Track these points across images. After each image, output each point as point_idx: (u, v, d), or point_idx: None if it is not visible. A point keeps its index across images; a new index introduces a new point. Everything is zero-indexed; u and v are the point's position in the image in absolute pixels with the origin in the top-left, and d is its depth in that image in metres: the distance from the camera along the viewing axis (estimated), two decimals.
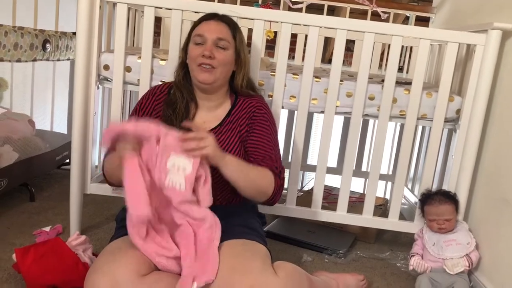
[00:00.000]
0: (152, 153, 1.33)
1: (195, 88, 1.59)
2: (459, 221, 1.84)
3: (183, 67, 1.59)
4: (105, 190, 1.93)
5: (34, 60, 2.14)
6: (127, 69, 1.87)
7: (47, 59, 2.25)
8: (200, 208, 1.33)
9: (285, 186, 2.12)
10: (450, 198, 1.84)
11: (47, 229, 1.91)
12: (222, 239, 1.40)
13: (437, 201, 1.82)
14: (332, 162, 2.76)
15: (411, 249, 1.86)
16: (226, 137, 1.54)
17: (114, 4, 1.92)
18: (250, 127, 1.57)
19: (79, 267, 1.53)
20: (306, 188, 2.79)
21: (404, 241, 2.24)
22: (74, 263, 1.53)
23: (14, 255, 1.54)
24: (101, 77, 1.90)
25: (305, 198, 2.18)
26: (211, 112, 1.59)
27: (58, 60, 2.38)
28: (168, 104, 1.57)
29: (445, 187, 1.95)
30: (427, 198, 1.86)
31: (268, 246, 1.47)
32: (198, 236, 1.32)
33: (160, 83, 1.83)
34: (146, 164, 1.33)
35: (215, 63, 1.49)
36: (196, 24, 1.58)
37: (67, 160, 2.59)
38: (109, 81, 1.90)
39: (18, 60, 2.02)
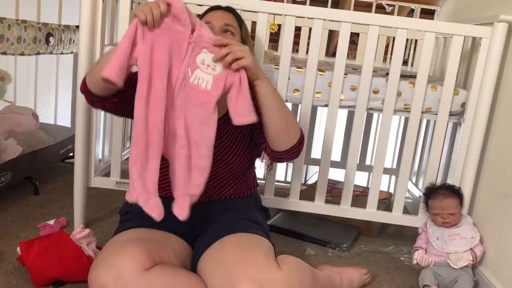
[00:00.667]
0: (182, 41, 1.20)
1: None
2: (463, 215, 1.83)
3: None
4: (109, 183, 1.94)
5: (38, 53, 2.14)
6: None
7: (51, 53, 2.25)
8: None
9: (289, 179, 2.13)
10: (455, 192, 1.83)
11: (51, 222, 1.92)
12: (226, 233, 1.41)
13: (441, 195, 1.81)
14: (336, 156, 2.76)
15: (415, 243, 1.86)
16: (230, 127, 1.54)
17: None
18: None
19: (83, 260, 1.53)
20: (309, 182, 2.79)
21: (408, 235, 2.24)
22: (78, 256, 1.53)
23: (18, 248, 1.54)
24: None
25: (308, 192, 2.18)
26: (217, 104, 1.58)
27: (62, 53, 2.38)
28: None
29: (449, 181, 1.94)
30: (431, 192, 1.86)
31: (272, 240, 1.47)
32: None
33: None
34: (168, 50, 1.20)
35: None
36: (202, 16, 1.58)
37: (71, 154, 2.59)
38: None
39: (22, 54, 2.02)
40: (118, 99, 1.36)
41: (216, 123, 1.24)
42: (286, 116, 1.37)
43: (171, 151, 1.24)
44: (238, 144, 1.53)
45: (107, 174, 1.98)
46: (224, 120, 1.54)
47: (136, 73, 1.24)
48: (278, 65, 1.84)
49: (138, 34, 1.18)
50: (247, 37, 1.57)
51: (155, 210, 1.20)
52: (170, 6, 1.18)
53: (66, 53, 2.44)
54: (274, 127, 1.36)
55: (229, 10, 1.58)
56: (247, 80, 1.25)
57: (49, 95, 2.95)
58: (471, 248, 1.73)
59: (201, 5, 1.77)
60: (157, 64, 1.19)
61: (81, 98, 1.83)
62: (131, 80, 1.36)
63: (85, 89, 1.36)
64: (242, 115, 1.22)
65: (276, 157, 1.45)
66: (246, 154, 1.55)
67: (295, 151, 1.43)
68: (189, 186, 1.24)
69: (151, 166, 1.20)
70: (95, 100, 1.37)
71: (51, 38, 2.19)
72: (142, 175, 1.20)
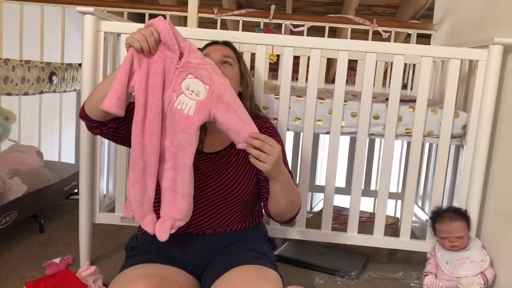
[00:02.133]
0: (170, 66, 1.23)
1: None
2: (471, 238, 1.82)
3: None
4: (114, 219, 1.94)
5: (41, 92, 2.17)
6: (133, 96, 1.88)
7: (54, 91, 2.29)
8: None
9: None
10: (461, 214, 1.81)
11: (57, 260, 1.91)
12: (233, 265, 1.39)
13: (448, 219, 1.80)
14: (341, 182, 2.75)
15: (425, 268, 1.83)
16: (235, 159, 1.54)
17: (118, 35, 1.95)
18: None
19: None
20: (315, 210, 2.77)
21: (417, 260, 2.21)
22: None
23: None
24: None
25: (314, 220, 2.17)
26: (219, 135, 1.60)
27: (65, 91, 2.42)
28: None
29: (455, 203, 1.93)
30: (437, 215, 1.84)
31: (279, 271, 1.45)
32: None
33: None
34: (161, 76, 1.23)
35: None
36: (201, 50, 1.61)
37: (76, 190, 2.60)
38: None
39: (26, 94, 2.05)
40: (116, 124, 1.40)
41: (194, 149, 1.26)
42: (292, 200, 1.44)
43: (160, 172, 1.30)
44: (245, 176, 1.53)
45: (112, 210, 1.98)
46: (228, 151, 1.54)
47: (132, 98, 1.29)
48: (278, 95, 1.86)
49: (134, 63, 1.22)
50: (245, 69, 1.60)
51: (150, 226, 1.29)
52: (156, 26, 1.22)
53: (69, 91, 2.47)
54: (277, 207, 1.44)
55: (227, 44, 1.61)
56: (233, 96, 1.27)
57: (53, 133, 2.98)
58: (481, 272, 1.70)
59: (201, 40, 1.80)
60: (152, 90, 1.23)
61: (85, 134, 1.85)
62: (128, 106, 1.38)
63: (84, 115, 1.40)
64: (240, 142, 1.25)
65: (272, 218, 1.52)
66: (253, 186, 1.55)
67: (290, 221, 1.52)
68: (174, 210, 1.30)
69: (149, 188, 1.28)
70: (94, 126, 1.40)
71: (54, 77, 2.22)
72: (140, 197, 1.27)
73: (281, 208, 1.44)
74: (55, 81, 2.24)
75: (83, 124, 1.84)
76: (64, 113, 2.92)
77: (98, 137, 1.89)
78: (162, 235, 1.28)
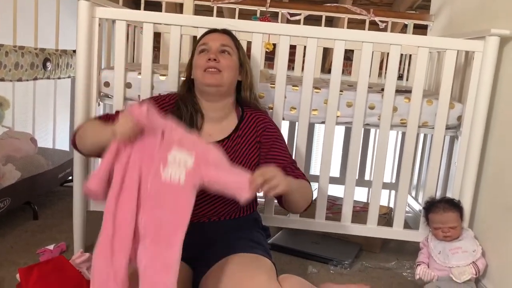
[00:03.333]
0: (153, 146, 1.27)
1: (200, 100, 1.59)
2: (464, 228, 1.83)
3: (187, 82, 1.61)
4: None
5: (35, 79, 2.16)
6: (128, 85, 1.87)
7: (48, 78, 2.27)
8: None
9: None
10: (454, 205, 1.83)
11: (51, 247, 1.91)
12: (227, 254, 1.40)
13: (441, 209, 1.81)
14: (335, 172, 2.76)
15: (417, 258, 1.85)
16: (234, 150, 1.54)
17: (113, 21, 1.93)
18: (264, 143, 1.58)
19: (84, 285, 1.52)
20: None
21: (410, 250, 2.23)
22: (78, 281, 1.52)
23: (18, 275, 1.53)
24: (101, 94, 1.91)
25: (308, 209, 2.17)
26: (217, 124, 1.59)
27: (59, 78, 2.40)
28: (173, 117, 1.57)
29: (448, 194, 1.94)
30: (431, 206, 1.85)
31: (273, 259, 1.46)
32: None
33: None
34: (141, 153, 1.27)
35: (220, 67, 1.51)
36: (199, 39, 1.60)
37: (70, 177, 2.59)
38: (110, 97, 1.91)
39: (19, 80, 2.03)
40: None
41: (190, 213, 1.24)
42: (307, 198, 1.53)
43: (137, 250, 1.23)
44: (243, 166, 1.53)
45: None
46: (225, 144, 1.54)
47: None
48: (274, 84, 1.86)
49: (120, 148, 1.26)
50: (244, 58, 1.59)
51: None
52: (139, 121, 1.24)
53: (64, 78, 2.45)
54: (296, 208, 1.55)
55: (225, 32, 1.60)
56: (219, 156, 1.29)
57: (47, 119, 2.97)
58: (473, 262, 1.72)
59: (197, 27, 1.78)
60: (131, 166, 1.25)
61: (79, 121, 1.84)
62: None
63: (75, 147, 1.50)
64: (244, 191, 1.25)
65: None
66: (247, 168, 1.54)
67: (308, 208, 1.58)
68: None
69: (117, 262, 1.20)
70: (86, 155, 1.49)
71: (48, 64, 2.20)
72: (106, 270, 1.20)
73: (300, 207, 1.54)
74: (49, 68, 2.22)
75: (76, 111, 1.84)
76: (58, 100, 2.90)
77: None
78: None
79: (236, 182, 1.25)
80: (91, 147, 1.40)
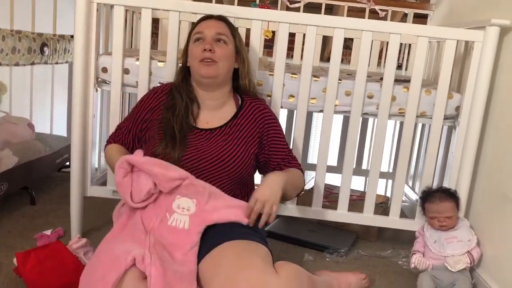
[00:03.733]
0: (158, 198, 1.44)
1: (196, 88, 1.59)
2: (460, 218, 1.84)
3: (182, 70, 1.61)
4: (105, 192, 1.94)
5: (32, 63, 2.14)
6: (125, 71, 1.86)
7: (45, 63, 2.25)
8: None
9: None
10: (451, 195, 1.83)
11: (48, 232, 1.91)
12: (223, 240, 1.40)
13: (437, 199, 1.81)
14: (332, 161, 2.76)
15: (413, 247, 1.86)
16: (231, 138, 1.54)
17: (111, 6, 1.91)
18: (265, 134, 1.61)
19: (81, 270, 1.52)
20: (306, 187, 2.78)
21: (405, 239, 2.24)
22: (75, 266, 1.53)
23: (15, 259, 1.53)
24: (99, 79, 1.90)
25: (305, 197, 2.18)
26: (215, 112, 1.59)
27: (57, 63, 2.38)
28: (168, 107, 1.57)
29: (445, 184, 1.94)
30: (427, 195, 1.86)
31: (269, 246, 1.47)
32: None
33: (159, 84, 1.83)
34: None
35: (216, 57, 1.50)
36: (194, 26, 1.59)
37: (67, 163, 2.59)
38: (108, 83, 1.90)
39: (16, 64, 2.02)
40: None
41: (195, 255, 1.36)
42: (297, 188, 1.61)
43: None
44: (242, 154, 1.53)
45: (104, 183, 1.98)
46: (225, 129, 1.54)
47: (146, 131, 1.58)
48: (272, 72, 1.85)
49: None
50: (241, 45, 1.58)
51: None
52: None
53: (61, 63, 2.44)
54: (290, 197, 1.63)
55: (221, 19, 1.58)
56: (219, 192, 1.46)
57: (45, 105, 2.95)
58: (468, 251, 1.73)
59: (196, 13, 1.77)
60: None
61: (77, 107, 1.83)
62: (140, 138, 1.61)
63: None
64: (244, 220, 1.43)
65: None
66: (248, 164, 1.55)
67: (300, 193, 1.68)
68: None
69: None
70: None
71: (45, 48, 2.19)
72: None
73: (290, 196, 1.61)
74: (47, 52, 2.21)
75: (74, 97, 1.83)
76: (56, 86, 2.89)
77: (90, 109, 1.87)
78: None
79: (235, 216, 1.43)
80: (113, 171, 1.53)
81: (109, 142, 1.69)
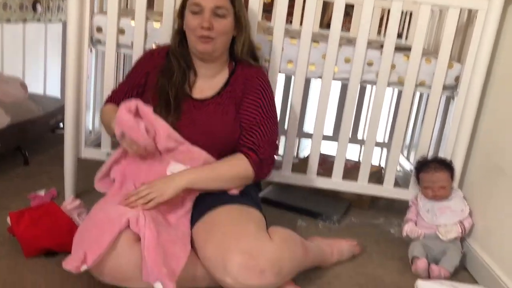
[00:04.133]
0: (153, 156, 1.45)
1: (193, 56, 1.55)
2: (454, 188, 1.85)
3: (179, 34, 1.56)
4: (99, 154, 1.92)
5: (24, 20, 2.09)
6: (121, 31, 1.82)
7: (38, 20, 2.20)
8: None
9: (281, 152, 2.12)
10: (446, 165, 1.84)
11: (42, 193, 1.91)
12: (217, 205, 1.41)
13: (432, 169, 1.82)
14: (328, 130, 2.75)
15: (405, 215, 1.87)
16: (222, 107, 1.52)
17: None
18: (243, 101, 1.53)
19: (74, 231, 1.52)
20: (302, 155, 2.79)
21: (398, 208, 2.26)
22: (69, 227, 1.53)
23: (8, 219, 1.53)
24: (94, 39, 1.85)
25: (300, 165, 2.18)
26: (209, 80, 1.56)
27: (50, 21, 2.32)
28: (164, 72, 1.54)
29: (441, 154, 1.94)
30: (422, 165, 1.86)
31: (263, 212, 1.47)
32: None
33: (154, 46, 1.80)
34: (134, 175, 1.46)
35: (214, 34, 1.45)
36: None
37: (61, 124, 2.56)
38: (102, 44, 1.86)
39: (8, 21, 1.97)
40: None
41: (189, 220, 1.43)
42: (226, 179, 1.46)
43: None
44: (232, 124, 1.51)
45: (98, 145, 1.96)
46: (216, 100, 1.52)
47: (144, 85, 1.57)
48: (271, 36, 1.81)
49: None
50: (241, 10, 1.52)
51: None
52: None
53: (55, 22, 2.38)
54: (222, 188, 1.47)
55: None
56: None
57: (38, 65, 2.90)
58: (460, 221, 1.74)
59: None
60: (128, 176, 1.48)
61: (70, 67, 1.80)
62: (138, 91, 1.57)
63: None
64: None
65: None
66: (239, 134, 1.52)
67: (257, 180, 1.52)
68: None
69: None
70: None
71: (38, 5, 2.13)
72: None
73: (218, 188, 1.46)
74: (39, 10, 2.15)
75: (68, 57, 1.79)
76: (49, 46, 2.82)
77: (85, 70, 1.84)
78: None
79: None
80: (106, 130, 1.59)
81: (105, 104, 1.66)
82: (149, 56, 1.61)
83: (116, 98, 1.60)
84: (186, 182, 1.38)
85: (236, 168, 1.46)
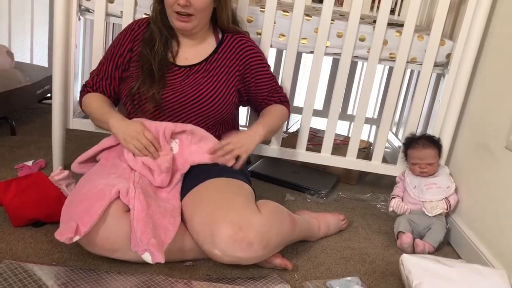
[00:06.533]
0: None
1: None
2: (441, 165, 1.87)
3: (160, 2, 1.52)
4: (88, 125, 1.90)
5: None
6: (110, 0, 1.78)
7: None
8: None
9: None
10: (434, 142, 1.85)
11: (29, 163, 1.89)
12: (206, 177, 1.41)
13: (420, 145, 1.83)
14: (318, 105, 2.75)
15: (392, 191, 1.90)
16: (211, 74, 1.51)
17: None
18: (249, 69, 1.58)
19: (62, 201, 1.52)
20: (291, 130, 2.79)
21: (385, 184, 2.29)
22: (57, 197, 1.52)
23: None
24: (82, 7, 1.81)
25: (290, 140, 2.19)
26: (193, 48, 1.55)
27: None
28: (146, 42, 1.52)
29: (429, 131, 1.96)
30: (411, 142, 1.88)
31: (252, 185, 1.48)
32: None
33: (144, 16, 1.76)
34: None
35: (192, 10, 1.42)
36: None
37: (49, 94, 2.53)
38: (91, 12, 1.82)
39: None
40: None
41: (178, 192, 1.45)
42: (279, 125, 1.68)
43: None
44: (222, 91, 1.51)
45: (86, 116, 1.94)
46: (204, 65, 1.51)
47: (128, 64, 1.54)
48: (263, 8, 1.78)
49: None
50: None
51: None
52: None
53: None
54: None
55: None
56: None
57: (24, 33, 2.84)
58: (446, 197, 1.77)
59: None
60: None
61: (58, 37, 1.76)
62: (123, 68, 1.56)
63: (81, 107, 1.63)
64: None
65: None
66: (229, 102, 1.53)
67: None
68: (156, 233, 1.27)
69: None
70: None
71: None
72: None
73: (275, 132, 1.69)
74: None
75: (56, 26, 1.75)
76: (36, 14, 2.76)
77: (73, 39, 1.80)
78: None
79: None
80: (94, 122, 1.59)
81: (86, 91, 1.60)
82: (129, 30, 1.58)
83: (98, 84, 1.58)
84: (260, 137, 1.49)
85: (283, 118, 1.68)
